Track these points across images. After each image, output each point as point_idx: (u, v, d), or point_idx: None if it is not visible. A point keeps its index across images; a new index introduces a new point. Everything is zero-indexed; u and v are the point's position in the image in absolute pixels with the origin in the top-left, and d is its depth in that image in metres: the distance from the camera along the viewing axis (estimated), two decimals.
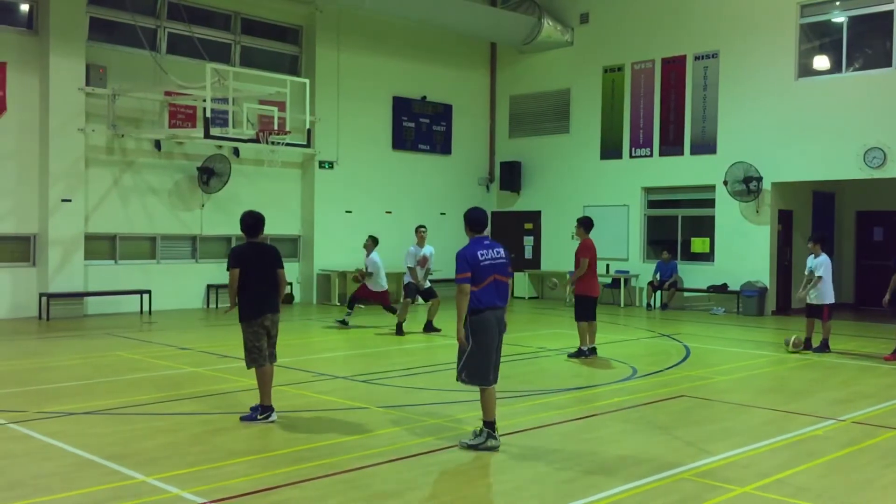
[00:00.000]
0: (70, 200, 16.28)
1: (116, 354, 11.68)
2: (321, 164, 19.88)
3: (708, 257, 19.35)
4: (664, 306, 19.46)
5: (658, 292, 19.60)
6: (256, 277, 7.75)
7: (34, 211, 16.22)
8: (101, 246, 17.16)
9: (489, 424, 6.80)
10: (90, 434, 7.21)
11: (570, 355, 11.77)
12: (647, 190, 20.47)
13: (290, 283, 19.81)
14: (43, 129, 16.12)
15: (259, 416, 7.64)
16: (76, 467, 6.21)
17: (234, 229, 18.80)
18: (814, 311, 12.53)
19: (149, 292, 17.18)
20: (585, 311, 11.68)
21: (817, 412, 8.33)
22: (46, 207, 16.09)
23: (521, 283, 22.03)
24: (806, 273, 12.56)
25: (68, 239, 16.29)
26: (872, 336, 14.58)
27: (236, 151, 18.45)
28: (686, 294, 19.66)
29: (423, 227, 14.68)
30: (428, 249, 14.41)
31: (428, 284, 14.49)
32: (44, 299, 15.96)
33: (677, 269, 19.47)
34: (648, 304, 19.68)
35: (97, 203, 16.94)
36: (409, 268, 14.37)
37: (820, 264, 12.32)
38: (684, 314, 18.45)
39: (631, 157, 20.51)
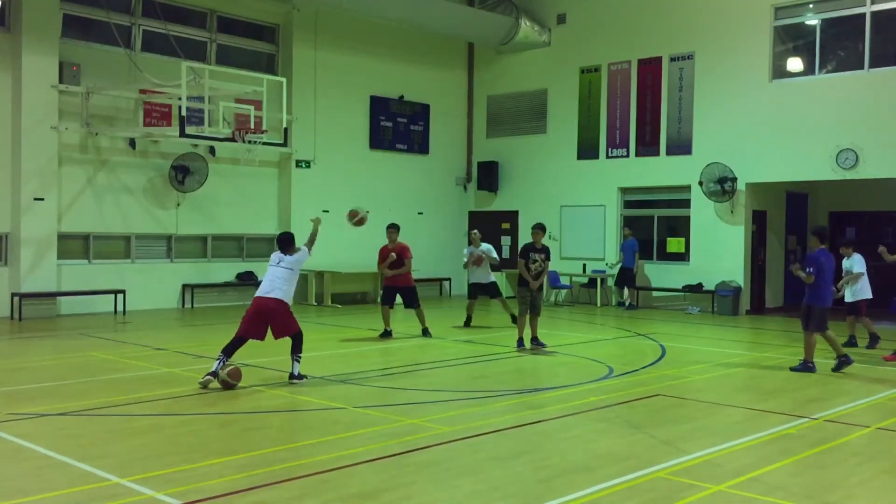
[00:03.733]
0: (43, 199, 16.10)
1: (90, 355, 11.56)
2: (298, 164, 19.80)
3: (683, 257, 19.50)
4: (632, 306, 19.56)
5: (626, 290, 19.68)
6: None
7: (6, 210, 16.01)
8: (75, 245, 16.97)
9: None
10: (63, 435, 7.13)
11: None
12: (624, 190, 20.58)
13: None
14: (15, 127, 15.92)
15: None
16: (49, 469, 6.14)
17: (210, 229, 18.86)
18: (853, 309, 12.99)
19: (123, 292, 17.03)
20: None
21: (791, 411, 8.42)
22: (19, 206, 15.90)
23: (498, 282, 22.00)
24: (843, 274, 12.88)
25: (41, 238, 16.10)
26: (847, 335, 14.72)
27: (212, 150, 18.33)
28: (661, 293, 19.79)
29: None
30: None
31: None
32: (16, 299, 15.77)
33: (637, 248, 19.48)
34: (620, 303, 19.79)
35: (70, 202, 16.76)
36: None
37: (856, 262, 12.80)
38: (659, 314, 18.57)
39: (608, 157, 20.62)
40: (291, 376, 9.48)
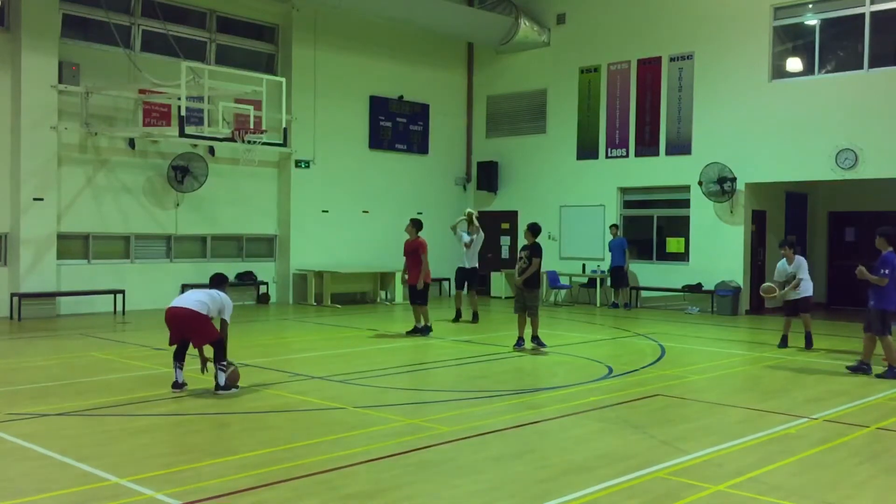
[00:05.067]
0: (42, 199, 16.09)
1: (90, 355, 11.56)
2: (297, 164, 19.80)
3: (683, 257, 19.50)
4: (627, 305, 19.58)
5: (620, 291, 19.71)
6: None
7: (6, 210, 16.00)
8: (74, 245, 16.96)
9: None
10: (63, 436, 7.13)
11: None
12: (623, 190, 20.59)
13: (266, 283, 19.74)
14: (15, 127, 15.91)
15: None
16: (49, 469, 6.13)
17: (209, 229, 18.86)
18: (799, 307, 12.80)
19: (122, 292, 17.02)
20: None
21: (790, 411, 8.42)
22: (18, 206, 15.89)
23: (497, 282, 22.09)
24: (783, 278, 12.79)
25: (40, 238, 16.10)
26: (846, 335, 14.75)
27: (212, 150, 18.32)
28: (661, 294, 19.79)
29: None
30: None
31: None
32: (15, 299, 15.76)
33: (626, 246, 19.51)
34: (614, 304, 19.79)
35: (70, 202, 16.76)
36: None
37: (800, 265, 12.71)
38: (659, 314, 18.56)
39: (607, 157, 20.62)
40: (217, 387, 8.74)
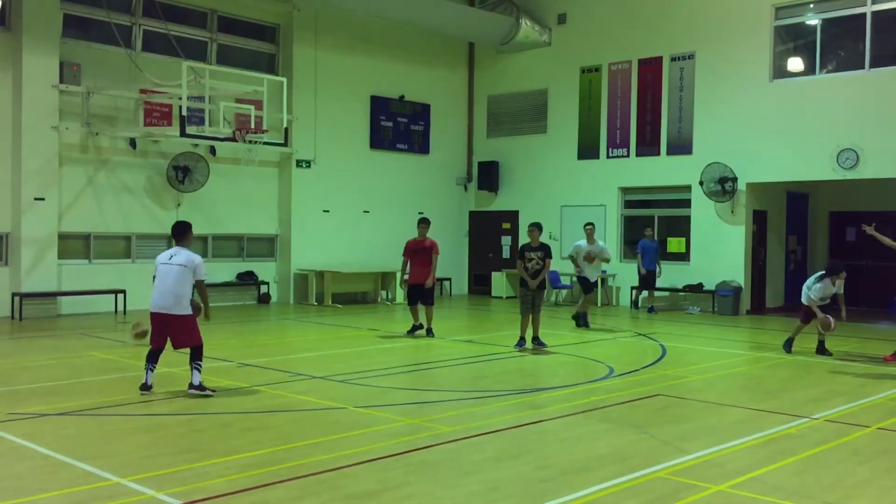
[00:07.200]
0: (43, 199, 16.10)
1: (91, 355, 11.57)
2: (298, 164, 19.81)
3: (683, 257, 19.48)
4: (650, 309, 18.69)
5: (644, 292, 19.05)
6: None
7: (6, 209, 16.01)
8: (75, 245, 16.97)
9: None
10: (64, 435, 7.13)
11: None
12: (624, 190, 20.58)
13: (267, 283, 19.74)
14: (16, 126, 15.92)
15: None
16: (50, 469, 6.14)
17: (210, 229, 18.88)
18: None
19: (123, 292, 17.02)
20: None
21: (791, 410, 8.42)
22: (19, 206, 15.90)
23: (498, 282, 22.08)
24: (819, 298, 12.26)
25: (41, 238, 16.11)
26: (846, 335, 14.74)
27: (213, 150, 18.33)
28: (662, 293, 19.75)
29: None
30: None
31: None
32: (16, 299, 15.77)
33: (658, 251, 18.96)
34: (650, 308, 18.85)
35: (71, 202, 16.76)
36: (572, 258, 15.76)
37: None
38: (660, 314, 18.52)
39: (608, 157, 20.62)
40: (191, 386, 8.64)
